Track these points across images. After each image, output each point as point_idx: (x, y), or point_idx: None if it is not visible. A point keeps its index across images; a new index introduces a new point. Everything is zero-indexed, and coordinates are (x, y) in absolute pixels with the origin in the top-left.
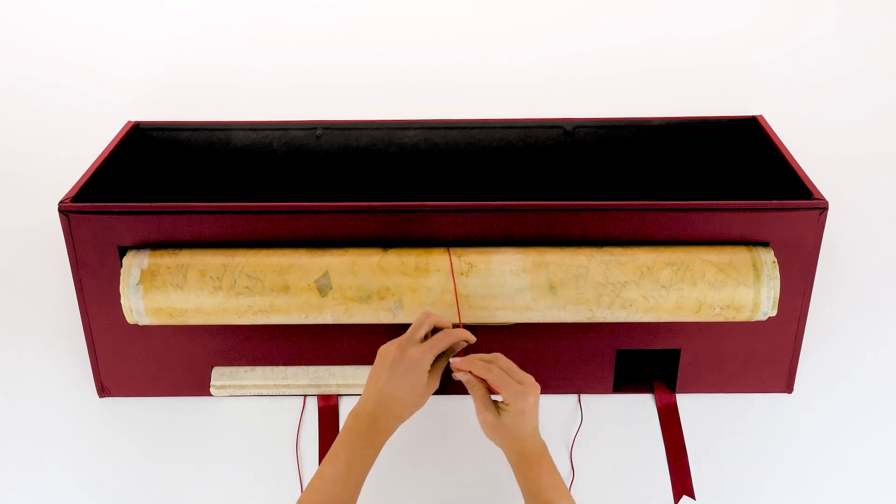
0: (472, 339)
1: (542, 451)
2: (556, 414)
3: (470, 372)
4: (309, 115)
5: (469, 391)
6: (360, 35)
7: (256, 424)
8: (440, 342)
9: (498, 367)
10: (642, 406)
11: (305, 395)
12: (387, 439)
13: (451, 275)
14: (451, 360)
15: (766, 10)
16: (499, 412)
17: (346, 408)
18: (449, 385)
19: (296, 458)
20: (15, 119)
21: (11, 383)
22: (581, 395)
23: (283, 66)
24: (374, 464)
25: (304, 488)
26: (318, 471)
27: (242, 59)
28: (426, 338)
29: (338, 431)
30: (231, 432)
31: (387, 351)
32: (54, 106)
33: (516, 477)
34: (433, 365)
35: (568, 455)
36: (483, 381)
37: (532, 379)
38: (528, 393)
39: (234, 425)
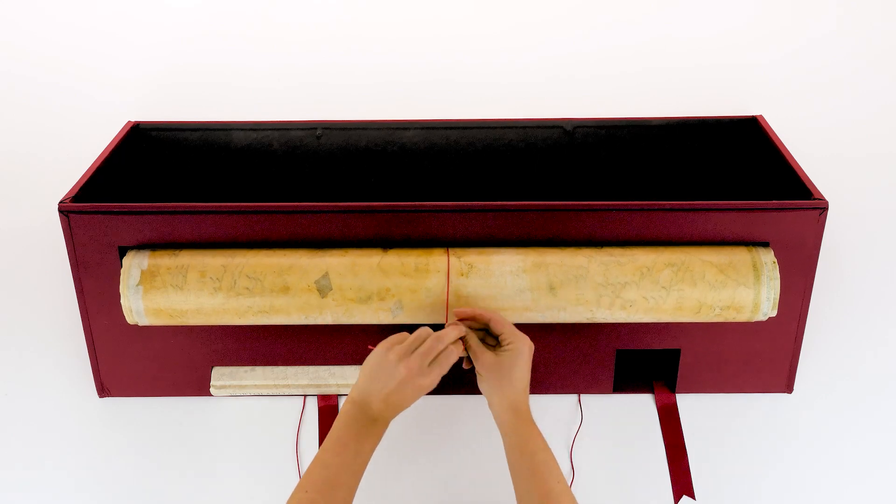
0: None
1: (530, 414)
2: (556, 414)
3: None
4: (309, 115)
5: (465, 341)
6: (360, 35)
7: (256, 424)
8: (447, 363)
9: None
10: (642, 406)
11: (305, 395)
12: (387, 427)
13: (450, 276)
14: (454, 310)
15: (766, 10)
16: (497, 353)
17: None
18: (449, 385)
19: (296, 458)
20: (15, 119)
21: (11, 383)
22: (581, 395)
23: (283, 66)
24: (371, 465)
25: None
26: (318, 458)
27: (242, 59)
28: None
29: None
30: (231, 432)
31: (394, 367)
32: (54, 106)
33: (507, 435)
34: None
35: (568, 455)
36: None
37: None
38: (525, 339)
39: (234, 425)
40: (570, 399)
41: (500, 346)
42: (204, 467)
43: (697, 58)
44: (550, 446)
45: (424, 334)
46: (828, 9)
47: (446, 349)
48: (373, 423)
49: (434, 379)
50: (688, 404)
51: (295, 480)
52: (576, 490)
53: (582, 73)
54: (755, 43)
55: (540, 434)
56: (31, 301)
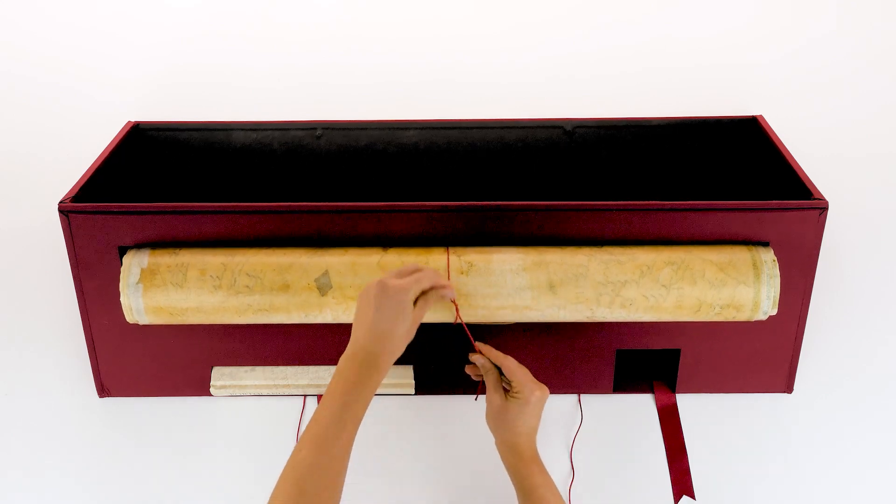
0: (451, 294)
1: (535, 454)
2: (556, 414)
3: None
4: (309, 115)
5: (483, 375)
6: (360, 35)
7: (256, 424)
8: (424, 279)
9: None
10: (642, 406)
11: (305, 395)
12: (382, 378)
13: (450, 275)
14: (475, 343)
15: (766, 10)
16: (506, 398)
17: None
18: (445, 385)
19: None
20: (15, 119)
21: (11, 383)
22: (581, 395)
23: (283, 66)
24: (370, 465)
25: None
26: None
27: (242, 59)
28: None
29: None
30: (231, 432)
31: (368, 289)
32: (54, 106)
33: (509, 473)
34: (417, 299)
35: (568, 455)
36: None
37: (545, 386)
38: (537, 388)
39: (234, 425)
40: (570, 399)
41: (511, 391)
42: (204, 467)
43: (697, 58)
44: (550, 446)
45: (422, 274)
46: (828, 9)
47: (434, 289)
48: (368, 373)
49: (408, 281)
50: (688, 404)
51: None
52: (576, 490)
53: (582, 73)
54: (755, 43)
55: (541, 471)
56: (31, 301)
